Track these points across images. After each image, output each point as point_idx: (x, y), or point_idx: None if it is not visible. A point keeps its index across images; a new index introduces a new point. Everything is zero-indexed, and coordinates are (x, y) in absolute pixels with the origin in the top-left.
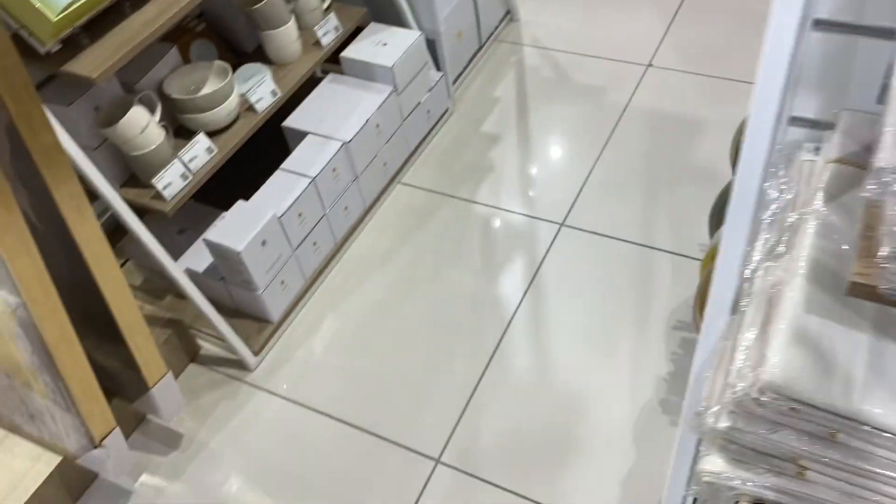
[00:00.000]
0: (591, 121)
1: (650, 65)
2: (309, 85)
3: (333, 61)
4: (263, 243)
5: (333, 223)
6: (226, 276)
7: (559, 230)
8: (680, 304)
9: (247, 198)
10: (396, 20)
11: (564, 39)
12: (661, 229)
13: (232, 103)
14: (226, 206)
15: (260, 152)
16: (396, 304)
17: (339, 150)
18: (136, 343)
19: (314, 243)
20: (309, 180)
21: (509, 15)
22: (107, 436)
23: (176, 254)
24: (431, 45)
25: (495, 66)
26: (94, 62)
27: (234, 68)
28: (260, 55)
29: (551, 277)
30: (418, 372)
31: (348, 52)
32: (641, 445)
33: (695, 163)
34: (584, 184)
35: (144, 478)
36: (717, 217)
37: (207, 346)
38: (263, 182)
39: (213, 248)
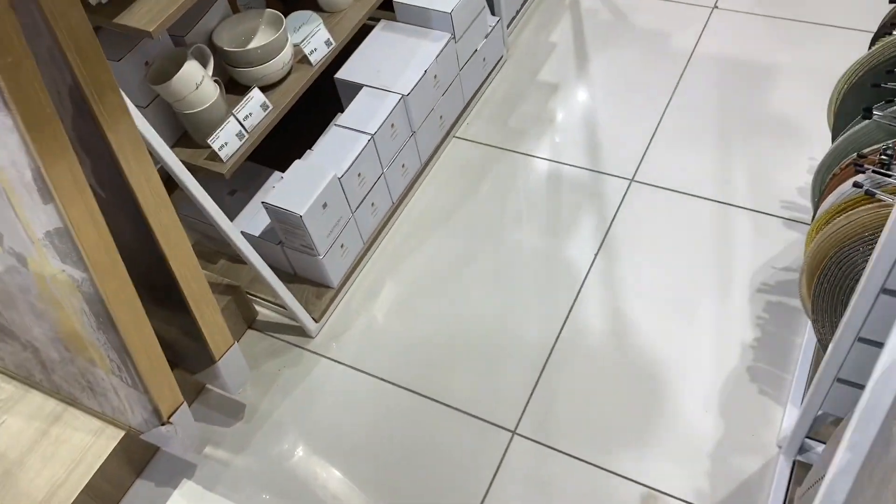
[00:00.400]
0: (656, 68)
1: (716, 6)
2: (360, 34)
3: (386, 7)
4: (324, 206)
5: (391, 182)
6: (284, 241)
7: (629, 186)
8: (763, 265)
9: (297, 155)
10: None
11: None
12: (738, 184)
13: (287, 55)
14: (275, 163)
15: (309, 105)
16: (458, 267)
17: (397, 103)
18: (202, 315)
19: (372, 204)
20: (368, 137)
21: None
22: (174, 412)
23: (229, 217)
24: None
25: (549, 9)
26: (148, 14)
27: (283, 16)
28: (309, 1)
29: (623, 237)
30: (487, 338)
31: None
32: (729, 416)
33: (770, 112)
34: (652, 136)
35: (208, 450)
36: (823, 181)
37: (265, 312)
38: (314, 138)
39: (273, 211)
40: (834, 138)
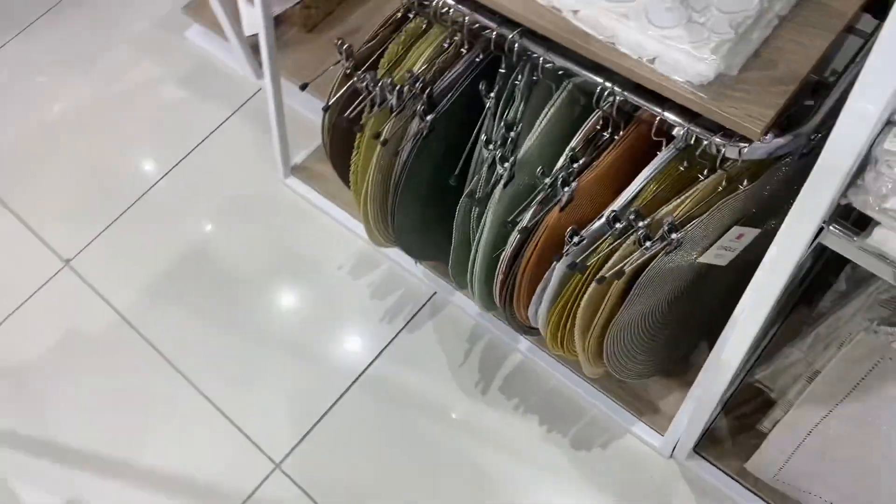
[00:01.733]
0: (117, 369)
1: (67, 262)
2: None
3: None
4: None
5: None
6: None
7: (272, 473)
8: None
9: None
10: None
11: None
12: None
13: None
14: None
15: None
16: None
17: None
18: None
19: None
20: None
21: None
22: None
23: None
24: None
25: None
26: None
27: None
28: None
29: None
30: None
31: None
32: (616, 483)
33: (274, 317)
34: (240, 433)
35: None
36: (491, 294)
37: None
38: None
39: None
40: (417, 249)
